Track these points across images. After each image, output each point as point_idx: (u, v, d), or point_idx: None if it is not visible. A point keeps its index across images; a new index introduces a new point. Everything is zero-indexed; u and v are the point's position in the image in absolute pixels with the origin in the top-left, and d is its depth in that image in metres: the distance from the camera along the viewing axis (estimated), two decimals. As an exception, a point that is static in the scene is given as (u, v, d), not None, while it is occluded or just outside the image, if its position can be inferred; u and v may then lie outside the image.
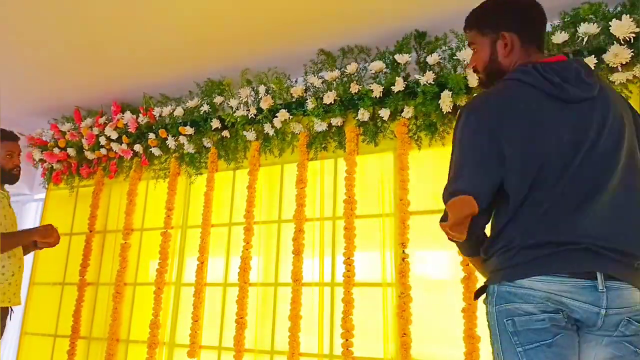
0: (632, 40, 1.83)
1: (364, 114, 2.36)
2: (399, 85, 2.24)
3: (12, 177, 2.48)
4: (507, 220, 1.18)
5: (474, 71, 1.43)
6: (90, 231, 3.16)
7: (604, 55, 1.88)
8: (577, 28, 1.92)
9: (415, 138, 2.30)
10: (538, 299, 1.15)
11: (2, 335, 2.31)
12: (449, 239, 1.23)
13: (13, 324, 2.75)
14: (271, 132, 2.63)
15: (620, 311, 1.13)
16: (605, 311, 1.12)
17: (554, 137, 1.17)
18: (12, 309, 2.35)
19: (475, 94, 2.12)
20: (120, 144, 3.11)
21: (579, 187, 1.15)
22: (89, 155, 3.25)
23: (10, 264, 2.34)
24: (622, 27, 1.81)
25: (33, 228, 2.51)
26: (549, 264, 1.14)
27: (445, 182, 1.23)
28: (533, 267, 1.15)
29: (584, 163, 1.16)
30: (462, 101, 2.15)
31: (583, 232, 1.13)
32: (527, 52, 1.31)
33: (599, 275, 1.12)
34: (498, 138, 1.17)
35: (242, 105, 2.70)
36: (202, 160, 2.91)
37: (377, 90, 2.30)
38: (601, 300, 1.12)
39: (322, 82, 2.49)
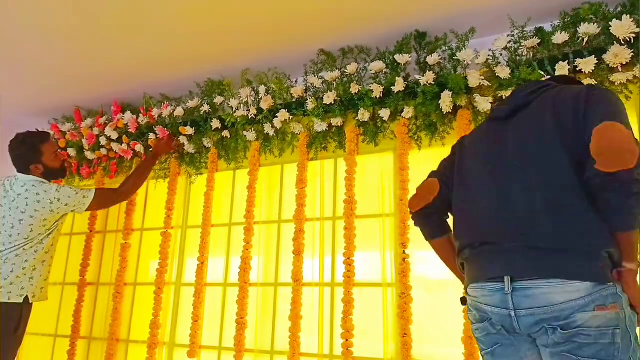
0: (632, 40, 1.83)
1: (364, 114, 2.36)
2: (399, 86, 2.24)
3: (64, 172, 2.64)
4: None
5: None
6: (91, 231, 3.16)
7: (604, 56, 1.88)
8: (577, 28, 1.92)
9: (416, 138, 2.30)
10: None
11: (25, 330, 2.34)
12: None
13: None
14: (271, 132, 2.63)
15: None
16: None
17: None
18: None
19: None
20: (121, 144, 3.11)
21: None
22: (90, 155, 3.25)
23: (51, 258, 2.45)
24: (622, 27, 1.81)
25: (153, 150, 2.84)
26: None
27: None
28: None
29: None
30: (463, 101, 2.16)
31: None
32: None
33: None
34: None
35: (242, 105, 2.70)
36: (202, 161, 2.91)
37: (377, 91, 2.30)
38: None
39: (322, 83, 2.49)
